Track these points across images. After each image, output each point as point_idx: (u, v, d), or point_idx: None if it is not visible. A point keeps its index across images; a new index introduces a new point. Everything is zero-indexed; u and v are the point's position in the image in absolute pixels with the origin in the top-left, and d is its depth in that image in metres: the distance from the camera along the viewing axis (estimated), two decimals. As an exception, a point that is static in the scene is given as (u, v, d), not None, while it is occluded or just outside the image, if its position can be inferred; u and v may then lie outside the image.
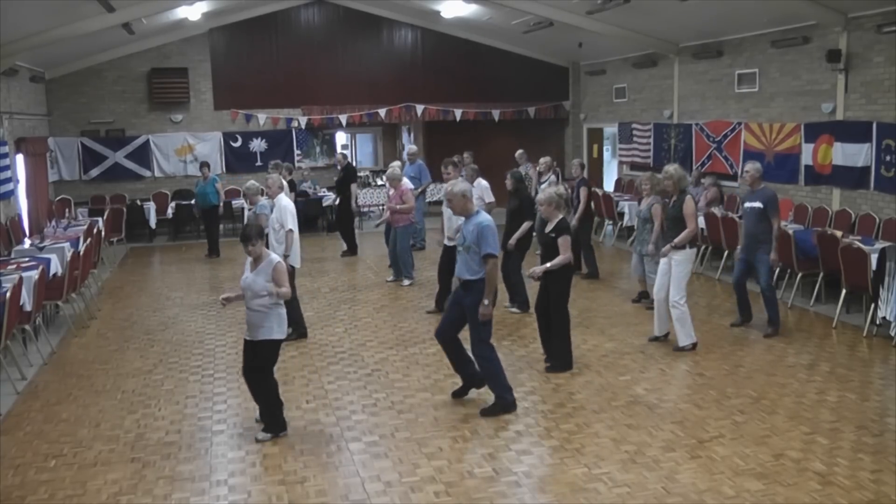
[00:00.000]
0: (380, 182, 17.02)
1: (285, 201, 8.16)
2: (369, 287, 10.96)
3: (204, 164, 13.97)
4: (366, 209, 15.85)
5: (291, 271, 7.63)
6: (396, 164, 11.75)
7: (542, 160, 12.00)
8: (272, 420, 5.76)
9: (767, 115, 12.34)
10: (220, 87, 16.68)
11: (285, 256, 7.76)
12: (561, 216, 6.97)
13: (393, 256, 11.09)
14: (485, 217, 6.08)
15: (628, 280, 11.11)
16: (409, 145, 15.54)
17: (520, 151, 14.29)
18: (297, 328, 8.22)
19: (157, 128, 16.44)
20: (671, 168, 7.70)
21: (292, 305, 7.65)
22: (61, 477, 5.19)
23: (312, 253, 13.46)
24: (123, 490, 4.98)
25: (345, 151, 16.75)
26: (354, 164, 19.98)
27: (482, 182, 9.63)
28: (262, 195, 8.69)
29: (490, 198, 9.54)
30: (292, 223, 8.06)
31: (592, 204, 11.35)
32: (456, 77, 17.78)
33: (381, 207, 13.65)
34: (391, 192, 10.90)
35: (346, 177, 13.48)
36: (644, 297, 9.56)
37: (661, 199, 8.34)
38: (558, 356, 7.10)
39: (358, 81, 17.33)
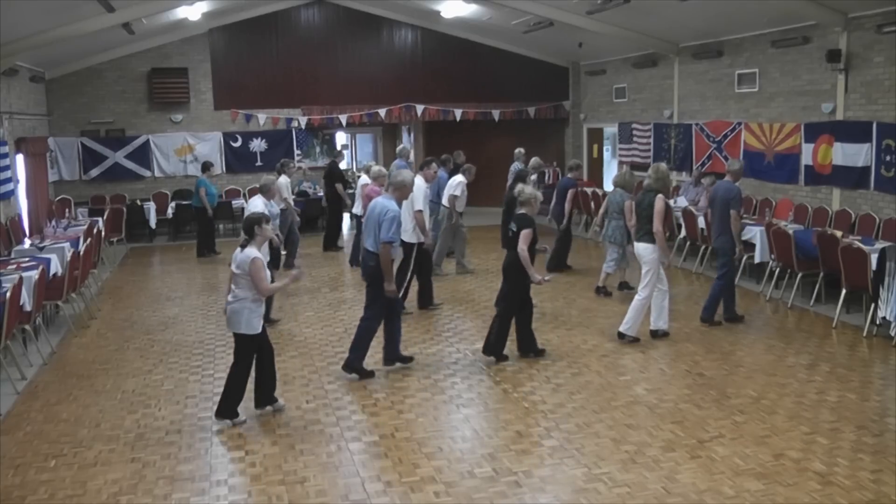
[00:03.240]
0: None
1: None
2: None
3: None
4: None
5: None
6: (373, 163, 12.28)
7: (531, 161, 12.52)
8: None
9: (767, 115, 12.34)
10: (220, 87, 16.67)
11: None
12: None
13: None
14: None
15: (628, 279, 11.12)
16: (401, 145, 15.60)
17: (519, 150, 14.51)
18: None
19: (157, 128, 16.43)
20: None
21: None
22: (61, 477, 5.19)
23: (313, 252, 13.47)
24: (123, 490, 4.98)
25: (344, 151, 16.82)
26: (354, 164, 20.06)
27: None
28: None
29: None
30: None
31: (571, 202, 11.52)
32: (456, 77, 17.77)
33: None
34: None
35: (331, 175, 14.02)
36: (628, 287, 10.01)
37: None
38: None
39: (358, 81, 17.33)
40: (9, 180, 11.98)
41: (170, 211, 15.70)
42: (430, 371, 7.18)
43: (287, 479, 5.07)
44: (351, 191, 14.49)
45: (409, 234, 8.74)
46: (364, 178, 11.65)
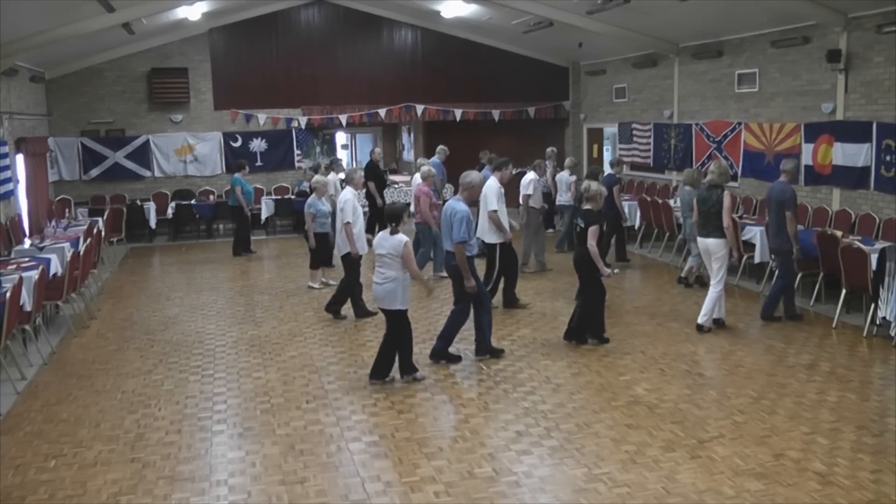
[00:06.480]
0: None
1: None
2: (370, 286, 10.90)
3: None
4: None
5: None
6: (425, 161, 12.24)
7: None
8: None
9: (767, 115, 12.34)
10: (220, 87, 16.67)
11: None
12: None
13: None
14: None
15: (629, 280, 11.15)
16: (440, 146, 15.36)
17: (551, 149, 14.79)
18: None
19: (157, 128, 16.43)
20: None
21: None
22: (61, 477, 5.19)
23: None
24: (123, 490, 4.98)
25: (377, 149, 16.69)
26: (354, 164, 20.05)
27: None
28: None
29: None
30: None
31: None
32: (456, 77, 17.78)
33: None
34: (427, 189, 10.88)
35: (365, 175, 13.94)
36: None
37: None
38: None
39: (358, 81, 17.33)
40: (9, 180, 11.99)
41: (170, 211, 15.71)
42: (430, 371, 7.18)
43: (287, 479, 5.07)
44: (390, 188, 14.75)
45: (490, 235, 8.89)
46: (417, 178, 11.55)
